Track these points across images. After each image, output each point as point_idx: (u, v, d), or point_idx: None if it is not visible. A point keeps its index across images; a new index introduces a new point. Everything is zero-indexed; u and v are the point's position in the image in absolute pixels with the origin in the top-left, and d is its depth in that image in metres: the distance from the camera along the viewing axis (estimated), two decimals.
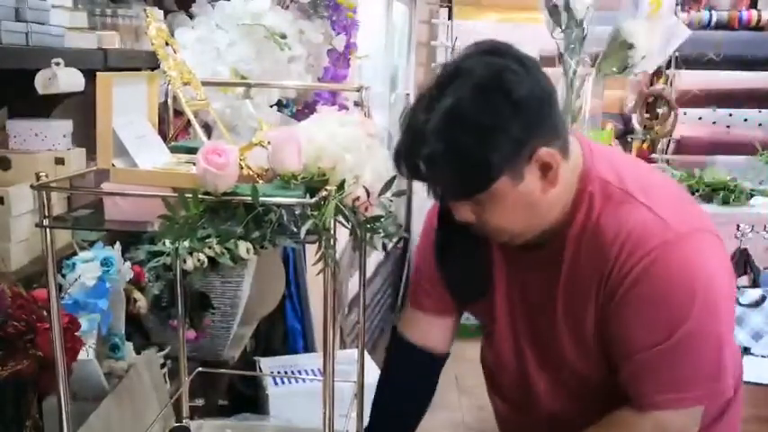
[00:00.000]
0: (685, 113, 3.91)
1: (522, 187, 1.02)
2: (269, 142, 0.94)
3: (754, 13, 4.06)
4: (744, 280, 3.31)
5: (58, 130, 1.41)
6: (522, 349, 1.24)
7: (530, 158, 1.00)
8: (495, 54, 1.01)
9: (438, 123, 0.97)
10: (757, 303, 3.04)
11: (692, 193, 2.70)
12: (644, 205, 1.06)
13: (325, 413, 0.98)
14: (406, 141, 1.04)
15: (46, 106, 1.47)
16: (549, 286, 1.14)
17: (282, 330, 2.65)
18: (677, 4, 3.64)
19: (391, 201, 1.03)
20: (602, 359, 1.14)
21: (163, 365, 1.68)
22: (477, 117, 0.96)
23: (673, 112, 3.82)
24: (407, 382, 1.35)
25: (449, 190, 1.06)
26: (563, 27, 2.54)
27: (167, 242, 1.58)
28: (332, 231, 0.89)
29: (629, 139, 3.97)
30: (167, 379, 1.67)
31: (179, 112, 1.20)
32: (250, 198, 0.86)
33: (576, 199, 1.09)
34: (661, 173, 1.30)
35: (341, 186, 0.91)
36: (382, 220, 0.97)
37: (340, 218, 0.92)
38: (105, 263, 1.34)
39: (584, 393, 1.20)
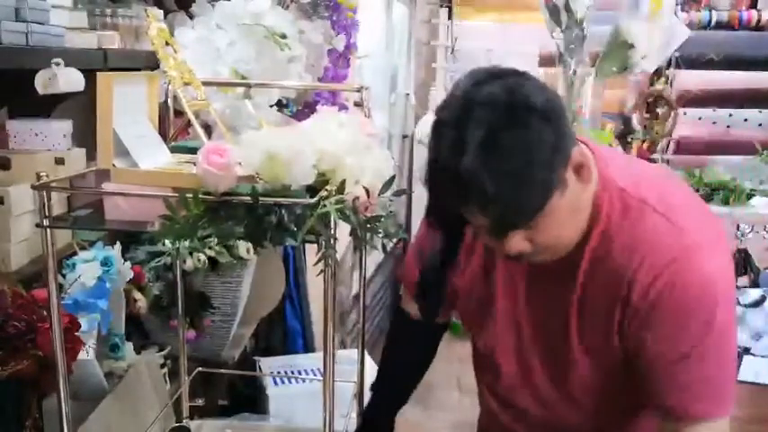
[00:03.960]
0: (685, 113, 3.91)
1: (568, 194, 1.00)
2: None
3: (754, 13, 4.06)
4: (744, 280, 3.31)
5: (58, 130, 1.41)
6: (526, 359, 1.22)
7: (566, 163, 0.99)
8: (495, 77, 0.98)
9: (478, 162, 0.93)
10: (757, 303, 3.04)
11: None
12: (662, 215, 1.05)
13: (325, 413, 0.98)
14: (448, 191, 0.99)
15: (46, 106, 1.47)
16: (561, 299, 1.12)
17: (282, 330, 2.65)
18: (677, 4, 3.63)
19: (391, 201, 1.03)
20: (617, 370, 1.12)
21: (163, 365, 1.68)
22: (515, 140, 0.93)
23: (673, 112, 3.82)
24: (409, 348, 1.41)
25: (507, 222, 1.01)
26: (563, 27, 2.54)
27: (167, 242, 1.58)
28: (332, 231, 0.89)
29: (629, 139, 3.96)
30: (167, 379, 1.67)
31: (179, 112, 1.20)
32: (250, 198, 0.86)
33: (593, 209, 1.07)
34: (673, 177, 1.28)
35: (341, 187, 0.91)
36: (382, 220, 0.97)
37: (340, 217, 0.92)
38: (105, 263, 1.34)
39: (591, 401, 1.19)
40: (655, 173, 1.20)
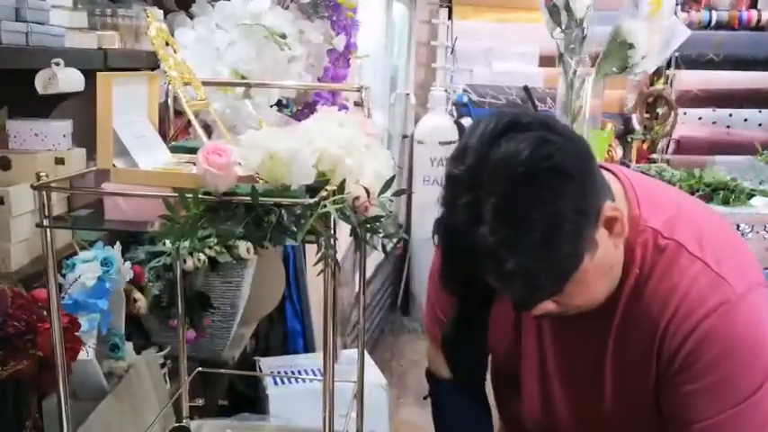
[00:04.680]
0: (685, 113, 3.91)
1: (599, 254, 0.92)
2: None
3: (754, 13, 4.06)
4: None
5: (58, 130, 1.41)
6: (551, 405, 1.17)
7: (597, 222, 0.91)
8: (517, 129, 0.87)
9: (495, 234, 0.84)
10: None
11: (692, 194, 2.69)
12: (699, 260, 0.98)
13: (325, 413, 0.98)
14: (463, 259, 0.90)
15: (46, 106, 1.47)
16: (595, 347, 1.07)
17: (282, 330, 2.65)
18: (677, 4, 3.64)
19: (391, 201, 1.03)
20: (650, 415, 1.07)
21: (163, 365, 1.68)
22: (536, 209, 0.84)
23: (673, 112, 3.82)
24: (459, 410, 1.29)
25: (532, 296, 0.93)
26: (563, 27, 2.53)
27: (167, 242, 1.58)
28: (332, 231, 0.89)
29: (629, 139, 3.97)
30: (167, 379, 1.67)
31: (179, 112, 1.20)
32: (250, 198, 0.86)
33: (626, 255, 0.99)
34: (708, 209, 1.17)
35: (341, 187, 0.91)
36: (382, 220, 0.97)
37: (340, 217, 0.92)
38: (105, 263, 1.34)
39: None
40: (690, 207, 1.10)
